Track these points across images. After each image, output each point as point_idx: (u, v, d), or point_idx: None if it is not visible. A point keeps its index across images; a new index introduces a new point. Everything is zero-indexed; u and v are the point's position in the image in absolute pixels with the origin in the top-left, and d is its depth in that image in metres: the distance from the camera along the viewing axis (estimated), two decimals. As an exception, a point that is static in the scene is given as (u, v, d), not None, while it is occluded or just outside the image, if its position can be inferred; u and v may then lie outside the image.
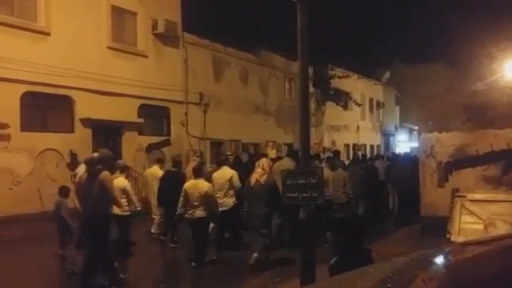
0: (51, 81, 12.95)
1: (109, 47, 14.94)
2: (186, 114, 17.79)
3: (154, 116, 16.96)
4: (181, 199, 8.18)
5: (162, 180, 9.98)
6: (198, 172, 8.50)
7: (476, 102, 9.84)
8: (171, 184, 9.46)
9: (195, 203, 8.09)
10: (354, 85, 28.84)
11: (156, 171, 10.83)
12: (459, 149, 9.78)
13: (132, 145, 15.65)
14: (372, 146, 33.28)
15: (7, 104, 12.17)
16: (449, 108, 10.06)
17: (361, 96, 30.62)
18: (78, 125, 14.01)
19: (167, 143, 16.97)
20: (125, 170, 8.99)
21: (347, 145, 29.37)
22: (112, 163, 7.84)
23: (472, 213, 9.15)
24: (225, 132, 19.36)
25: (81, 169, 8.78)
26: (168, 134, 17.32)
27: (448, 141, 9.89)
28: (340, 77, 25.94)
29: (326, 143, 26.72)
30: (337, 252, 3.09)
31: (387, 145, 36.62)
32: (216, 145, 19.24)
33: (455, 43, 35.26)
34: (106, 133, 14.94)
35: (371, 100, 34.13)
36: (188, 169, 10.97)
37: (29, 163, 12.68)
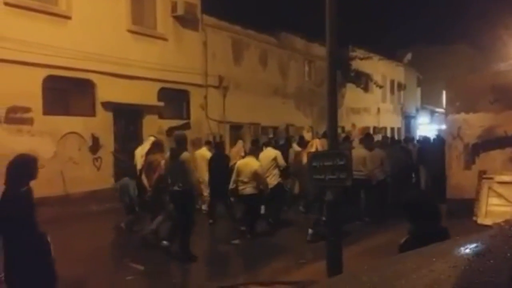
0: (72, 65, 12.96)
1: (129, 30, 14.86)
2: (205, 97, 17.71)
3: (174, 100, 16.91)
4: (233, 175, 8.98)
5: (210, 161, 10.83)
6: (251, 151, 9.50)
7: (504, 82, 9.58)
8: (217, 165, 10.41)
9: (246, 180, 8.80)
10: (375, 66, 28.34)
11: (205, 152, 11.61)
12: (487, 130, 9.56)
13: (153, 128, 15.62)
14: (392, 129, 32.84)
15: (30, 88, 12.23)
16: (477, 89, 9.81)
17: (382, 78, 30.09)
18: (99, 108, 14.04)
19: (187, 126, 16.93)
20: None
21: (367, 128, 29.01)
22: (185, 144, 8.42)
23: (499, 195, 8.96)
24: (244, 115, 19.25)
25: (139, 152, 9.89)
26: (188, 117, 17.28)
27: (475, 122, 9.67)
28: (361, 59, 25.52)
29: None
30: (409, 232, 2.99)
31: (408, 127, 36.10)
32: (236, 128, 19.17)
33: (478, 24, 34.43)
34: (127, 117, 14.97)
35: (392, 82, 33.55)
36: (233, 152, 12.26)
37: (52, 146, 12.78)
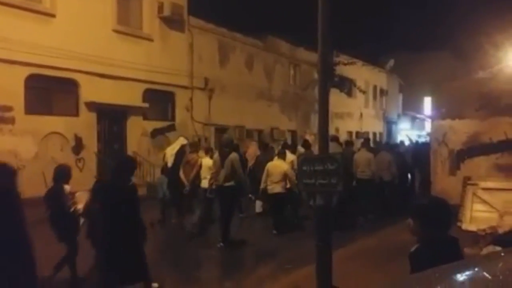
0: (55, 64, 12.77)
1: (114, 30, 14.69)
2: (191, 99, 17.61)
3: (159, 101, 16.77)
4: (263, 176, 9.76)
5: None
6: (281, 155, 10.13)
7: (489, 89, 9.69)
8: None
9: (275, 180, 9.49)
10: (359, 72, 28.54)
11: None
12: (472, 137, 9.66)
13: (137, 129, 15.50)
14: (374, 134, 33.11)
15: (12, 87, 11.99)
16: (463, 96, 9.90)
17: (365, 84, 30.33)
18: (82, 108, 13.84)
19: (171, 128, 16.82)
20: (209, 152, 10.50)
21: (350, 133, 29.20)
22: (233, 146, 9.64)
23: (484, 202, 9.05)
24: (229, 118, 19.20)
25: (169, 151, 11.06)
26: (173, 119, 17.15)
27: (461, 129, 9.76)
28: (344, 64, 25.62)
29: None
30: (419, 240, 2.91)
31: (390, 133, 36.46)
32: (221, 131, 19.08)
33: (459, 32, 34.97)
34: (111, 117, 14.79)
35: (374, 87, 33.88)
36: (249, 153, 12.84)
37: (34, 146, 12.54)
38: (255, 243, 9.01)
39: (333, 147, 11.22)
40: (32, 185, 11.97)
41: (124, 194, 5.40)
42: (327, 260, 5.65)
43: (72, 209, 6.02)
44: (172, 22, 16.56)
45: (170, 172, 10.42)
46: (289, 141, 20.10)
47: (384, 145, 15.42)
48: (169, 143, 16.29)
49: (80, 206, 5.97)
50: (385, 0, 48.98)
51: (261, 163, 10.97)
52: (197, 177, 9.61)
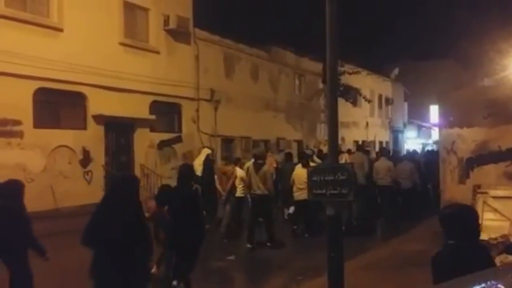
0: (63, 77, 12.86)
1: (121, 43, 14.80)
2: (197, 110, 17.66)
3: (166, 113, 16.84)
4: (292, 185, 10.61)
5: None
6: (306, 163, 10.64)
7: (497, 97, 9.64)
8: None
9: (300, 187, 10.00)
10: (363, 81, 28.54)
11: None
12: (481, 145, 9.57)
13: (144, 141, 15.55)
14: (381, 143, 33.05)
15: (20, 101, 12.08)
16: (470, 103, 9.85)
17: (370, 93, 30.31)
18: (90, 121, 13.90)
19: (178, 140, 16.87)
20: (238, 162, 11.45)
21: (356, 142, 29.13)
22: (265, 158, 10.55)
23: (494, 210, 8.97)
24: (235, 129, 19.23)
25: (197, 162, 11.94)
26: (180, 131, 17.19)
27: (469, 137, 9.68)
28: (349, 73, 25.62)
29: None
30: (444, 244, 2.91)
31: (396, 141, 36.37)
32: (227, 142, 19.13)
33: (464, 39, 34.93)
34: (118, 130, 14.85)
35: (380, 96, 33.87)
36: (268, 163, 13.43)
37: (42, 160, 12.59)
38: (267, 252, 8.99)
39: (358, 157, 12.24)
40: (41, 198, 12.04)
41: (188, 197, 6.27)
42: (339, 271, 5.62)
43: None
44: (178, 34, 16.67)
45: (201, 181, 11.06)
46: (295, 151, 20.05)
47: (406, 155, 16.73)
48: (176, 155, 16.48)
49: (147, 214, 6.44)
50: (389, 9, 49.18)
51: (283, 173, 12.07)
52: (233, 187, 10.49)
